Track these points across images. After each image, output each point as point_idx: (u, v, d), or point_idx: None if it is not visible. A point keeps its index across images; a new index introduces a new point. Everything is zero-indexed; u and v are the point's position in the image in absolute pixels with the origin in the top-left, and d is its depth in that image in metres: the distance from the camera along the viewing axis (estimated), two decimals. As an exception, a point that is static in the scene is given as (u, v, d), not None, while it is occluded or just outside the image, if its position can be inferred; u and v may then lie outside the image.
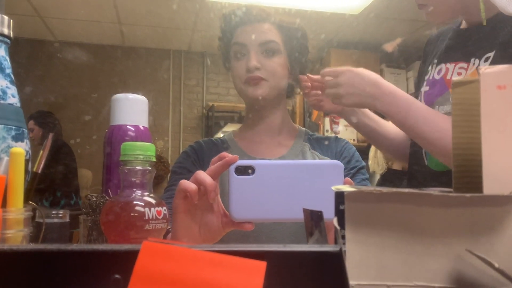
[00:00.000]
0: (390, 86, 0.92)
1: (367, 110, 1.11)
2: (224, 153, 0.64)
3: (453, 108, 0.36)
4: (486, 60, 0.95)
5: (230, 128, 4.16)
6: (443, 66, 1.06)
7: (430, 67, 1.11)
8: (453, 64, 1.04)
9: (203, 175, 0.63)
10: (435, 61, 1.10)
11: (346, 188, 0.32)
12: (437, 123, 0.89)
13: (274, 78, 0.99)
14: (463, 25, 1.07)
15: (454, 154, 0.37)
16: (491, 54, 0.95)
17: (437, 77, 1.07)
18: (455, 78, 0.35)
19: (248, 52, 0.99)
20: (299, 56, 1.05)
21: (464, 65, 1.01)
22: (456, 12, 0.99)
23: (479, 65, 0.97)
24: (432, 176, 1.03)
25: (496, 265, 0.28)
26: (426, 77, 1.11)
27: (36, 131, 3.10)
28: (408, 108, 0.90)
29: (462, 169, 0.37)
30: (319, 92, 1.09)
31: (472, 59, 0.99)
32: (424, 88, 1.10)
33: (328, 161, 0.66)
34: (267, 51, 0.99)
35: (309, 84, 1.10)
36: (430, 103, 1.06)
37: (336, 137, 1.08)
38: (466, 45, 1.02)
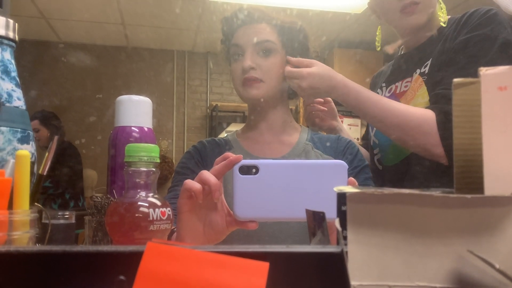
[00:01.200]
0: (343, 79, 1.01)
1: (345, 129, 1.29)
2: (228, 153, 0.65)
3: (454, 109, 0.36)
4: (425, 67, 1.08)
5: (234, 127, 4.17)
6: (392, 86, 1.20)
7: (379, 91, 1.24)
8: (400, 82, 1.17)
9: (208, 175, 0.63)
10: (383, 84, 1.24)
11: (348, 189, 0.32)
12: (384, 103, 0.99)
13: (271, 78, 0.99)
14: (404, 50, 1.22)
15: (456, 155, 0.37)
16: (428, 62, 1.08)
17: (387, 94, 1.20)
18: (456, 79, 0.35)
19: (244, 53, 0.99)
20: (299, 54, 1.04)
21: (409, 79, 1.14)
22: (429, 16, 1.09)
23: (419, 71, 1.10)
24: (389, 170, 1.15)
25: (497, 265, 0.28)
26: None
27: (42, 132, 3.10)
28: (358, 95, 1.00)
29: (464, 170, 0.37)
30: (320, 113, 1.24)
31: (414, 72, 1.12)
32: None
33: (332, 160, 0.66)
34: (263, 50, 0.99)
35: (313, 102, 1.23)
36: None
37: (339, 136, 1.09)
38: (409, 64, 1.15)
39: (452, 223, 0.30)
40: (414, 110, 0.99)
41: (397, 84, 1.18)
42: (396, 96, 1.15)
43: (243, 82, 0.99)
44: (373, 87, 1.33)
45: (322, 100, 1.24)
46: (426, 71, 1.08)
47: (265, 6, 1.10)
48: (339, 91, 0.99)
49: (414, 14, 1.05)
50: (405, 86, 1.14)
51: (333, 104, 1.26)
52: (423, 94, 1.06)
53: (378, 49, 1.21)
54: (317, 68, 0.99)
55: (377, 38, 1.18)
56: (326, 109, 1.24)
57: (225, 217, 0.67)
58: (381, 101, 1.00)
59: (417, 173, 1.06)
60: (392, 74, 1.24)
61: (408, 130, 0.98)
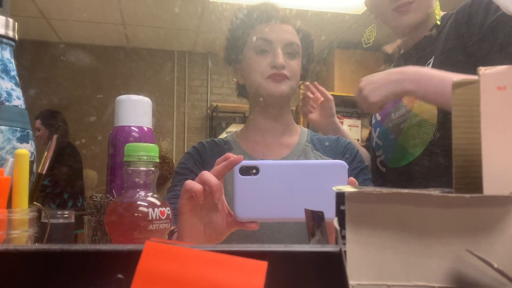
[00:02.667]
0: (412, 67, 0.97)
1: (343, 129, 1.27)
2: (229, 154, 0.65)
3: (453, 109, 0.36)
4: (428, 65, 1.05)
5: (234, 128, 4.17)
6: None
7: None
8: None
9: (208, 175, 0.64)
10: None
11: (347, 189, 0.32)
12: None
13: (295, 78, 1.02)
14: (403, 50, 1.19)
15: (454, 155, 0.37)
16: (431, 60, 1.04)
17: None
18: (455, 79, 0.35)
19: (274, 49, 1.00)
20: (308, 63, 1.08)
21: None
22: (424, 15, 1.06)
23: None
24: (393, 173, 1.13)
25: (495, 265, 0.28)
26: None
27: (42, 131, 3.11)
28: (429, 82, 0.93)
29: (463, 170, 0.37)
30: (314, 105, 1.23)
31: None
32: None
33: (333, 161, 0.66)
34: (290, 52, 1.01)
35: (314, 92, 1.18)
36: (385, 113, 1.18)
37: (339, 137, 1.09)
38: (409, 63, 1.10)
39: (451, 222, 0.30)
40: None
41: None
42: (399, 98, 1.14)
43: (270, 76, 0.99)
44: None
45: (316, 91, 1.22)
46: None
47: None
48: (411, 77, 0.94)
49: (409, 13, 1.05)
50: None
51: (331, 103, 1.25)
52: None
53: (365, 45, 1.18)
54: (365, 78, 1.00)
55: (366, 35, 1.16)
56: (321, 98, 1.23)
57: (225, 218, 0.67)
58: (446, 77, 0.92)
59: (424, 176, 1.04)
60: None
61: None
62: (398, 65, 1.22)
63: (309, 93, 1.26)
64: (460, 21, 1.01)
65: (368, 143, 1.34)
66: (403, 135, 1.11)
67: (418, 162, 1.06)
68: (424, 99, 0.97)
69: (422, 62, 1.08)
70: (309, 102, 1.26)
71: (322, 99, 1.25)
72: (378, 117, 1.23)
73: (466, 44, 0.98)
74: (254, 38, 1.02)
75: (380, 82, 0.97)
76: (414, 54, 1.13)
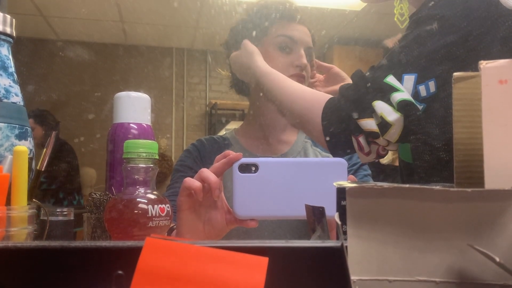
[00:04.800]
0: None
1: None
2: (229, 151, 0.65)
3: (454, 103, 0.36)
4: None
5: (233, 125, 4.17)
6: None
7: None
8: None
9: (207, 173, 0.63)
10: None
11: (348, 184, 0.32)
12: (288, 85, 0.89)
13: (308, 81, 1.04)
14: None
15: (456, 149, 0.37)
16: None
17: None
18: (456, 73, 0.35)
19: (298, 49, 1.00)
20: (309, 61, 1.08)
21: None
22: None
23: None
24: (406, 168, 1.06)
25: (497, 259, 0.28)
26: None
27: (37, 130, 3.10)
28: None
29: (464, 164, 0.37)
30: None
31: None
32: None
33: (332, 158, 0.66)
34: (308, 55, 1.02)
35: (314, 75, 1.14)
36: None
37: None
38: (422, 25, 1.02)
39: (453, 217, 0.30)
40: (310, 93, 0.88)
41: None
42: None
43: (293, 75, 0.99)
44: None
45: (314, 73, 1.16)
46: None
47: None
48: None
49: None
50: None
51: (334, 69, 1.14)
52: None
53: (401, 25, 1.06)
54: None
55: (397, 9, 1.03)
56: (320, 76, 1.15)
57: (225, 215, 0.67)
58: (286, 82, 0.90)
59: (425, 170, 1.02)
60: None
61: (298, 114, 0.85)
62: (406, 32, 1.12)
63: (311, 80, 1.18)
64: (461, 14, 0.98)
65: None
66: None
67: (419, 157, 1.05)
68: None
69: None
70: (317, 85, 1.19)
71: (322, 76, 1.18)
72: None
73: (467, 38, 0.96)
74: (277, 34, 1.02)
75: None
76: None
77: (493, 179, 0.33)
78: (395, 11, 0.97)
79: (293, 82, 0.91)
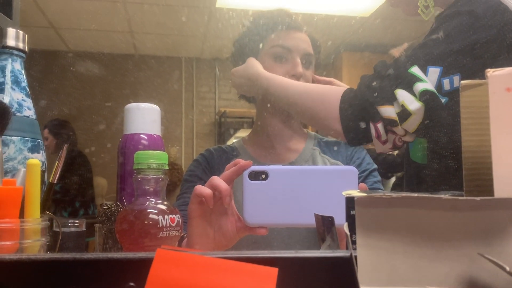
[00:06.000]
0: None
1: None
2: (239, 159, 0.65)
3: (462, 111, 0.36)
4: None
5: (243, 133, 4.18)
6: None
7: None
8: None
9: (218, 181, 0.64)
10: None
11: (356, 193, 0.32)
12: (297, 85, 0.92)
13: None
14: (438, 12, 1.09)
15: (464, 157, 0.37)
16: None
17: None
18: (463, 81, 0.35)
19: (293, 58, 1.00)
20: (315, 67, 1.07)
21: None
22: None
23: None
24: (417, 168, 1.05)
25: (507, 268, 0.28)
26: None
27: (50, 140, 3.13)
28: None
29: (473, 172, 0.37)
30: None
31: None
32: None
33: (342, 166, 0.66)
34: (307, 62, 1.02)
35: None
36: None
37: None
38: (445, 24, 1.01)
39: (462, 226, 0.30)
40: (323, 86, 0.92)
41: None
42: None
43: None
44: None
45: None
46: None
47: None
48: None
49: None
50: None
51: (335, 82, 1.14)
52: None
53: (426, 17, 1.03)
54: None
55: (422, 2, 1.00)
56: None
57: (235, 223, 0.67)
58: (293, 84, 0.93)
59: (434, 179, 0.99)
60: None
61: (311, 103, 0.87)
62: (435, 26, 1.10)
63: None
64: (467, 23, 0.97)
65: None
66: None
67: (427, 165, 1.03)
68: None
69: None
70: None
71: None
72: None
73: (473, 46, 0.96)
74: (272, 44, 1.02)
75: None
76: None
77: (502, 187, 0.33)
78: (418, 4, 0.94)
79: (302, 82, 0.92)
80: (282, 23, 1.03)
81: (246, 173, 0.62)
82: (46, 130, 3.15)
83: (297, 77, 0.98)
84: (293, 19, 1.04)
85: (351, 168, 0.62)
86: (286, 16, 1.04)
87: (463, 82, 0.37)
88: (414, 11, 1.01)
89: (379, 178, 1.02)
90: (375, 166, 1.03)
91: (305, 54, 1.01)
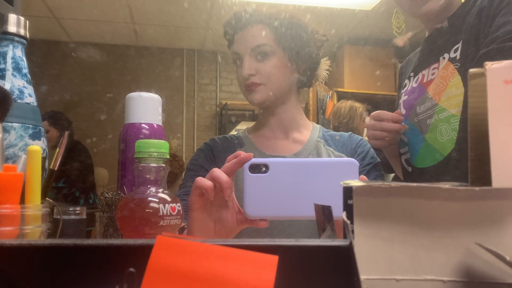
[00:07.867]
0: None
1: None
2: (240, 151, 0.65)
3: (469, 100, 0.36)
4: (455, 51, 0.98)
5: (243, 125, 4.18)
6: (419, 75, 1.10)
7: (407, 81, 1.16)
8: (427, 69, 1.07)
9: (219, 172, 0.64)
10: (411, 74, 1.14)
11: (354, 183, 0.32)
12: None
13: (271, 80, 0.99)
14: (427, 33, 1.11)
15: (470, 148, 0.37)
16: (459, 45, 0.97)
17: (415, 85, 1.11)
18: (471, 69, 0.35)
19: (242, 61, 0.99)
20: (298, 49, 1.02)
21: (436, 64, 1.04)
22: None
23: (449, 57, 1.00)
24: (421, 173, 1.07)
25: (508, 257, 0.28)
26: (403, 91, 1.15)
27: (51, 132, 3.13)
28: None
29: (478, 163, 0.36)
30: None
31: (441, 57, 1.02)
32: (402, 98, 1.13)
33: (343, 158, 0.66)
34: (260, 55, 0.99)
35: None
36: (410, 106, 1.09)
37: (351, 133, 1.08)
38: (434, 48, 1.06)
39: (460, 216, 0.30)
40: None
41: (424, 72, 1.08)
42: (423, 86, 1.06)
43: (245, 88, 1.00)
44: (402, 77, 1.23)
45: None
46: (458, 57, 0.97)
47: (269, 3, 1.09)
48: None
49: (428, 2, 0.98)
50: (432, 74, 1.04)
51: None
52: (457, 85, 0.94)
53: (398, 35, 1.10)
54: None
55: (394, 24, 1.06)
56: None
57: (235, 215, 0.68)
58: None
59: (456, 178, 0.94)
60: (419, 61, 1.13)
61: None
62: (422, 50, 1.13)
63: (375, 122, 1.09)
64: (480, 13, 0.96)
65: None
66: (430, 131, 1.01)
67: (447, 162, 0.98)
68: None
69: (448, 47, 1.00)
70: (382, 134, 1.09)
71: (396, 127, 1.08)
72: (403, 111, 1.11)
73: (480, 36, 0.95)
74: (231, 50, 1.04)
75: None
76: (439, 36, 1.05)
77: (500, 178, 0.33)
78: (393, 26, 1.01)
79: None
80: (238, 26, 1.02)
81: (246, 166, 0.63)
82: (46, 123, 3.14)
83: (245, 79, 0.98)
84: (243, 18, 1.01)
85: (352, 161, 0.62)
86: (241, 16, 1.02)
87: (471, 70, 0.37)
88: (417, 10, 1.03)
89: (382, 172, 1.02)
90: (379, 160, 1.03)
91: (254, 47, 0.98)
